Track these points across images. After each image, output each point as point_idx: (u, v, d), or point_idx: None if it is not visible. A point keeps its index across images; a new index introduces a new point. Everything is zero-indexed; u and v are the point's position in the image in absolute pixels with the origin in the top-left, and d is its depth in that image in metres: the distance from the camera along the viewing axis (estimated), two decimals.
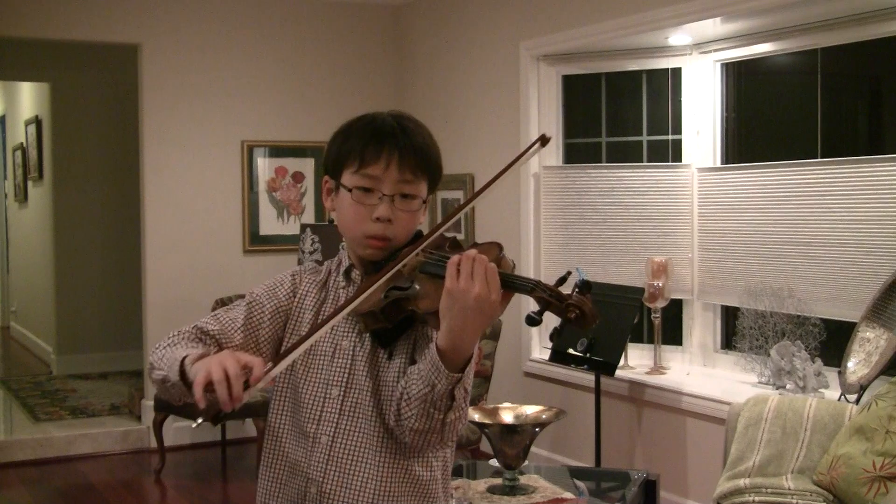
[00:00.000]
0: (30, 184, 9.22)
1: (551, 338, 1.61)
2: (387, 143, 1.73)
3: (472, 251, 1.56)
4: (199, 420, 1.55)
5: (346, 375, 1.76)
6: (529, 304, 1.59)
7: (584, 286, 1.55)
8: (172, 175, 5.97)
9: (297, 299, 1.85)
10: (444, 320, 1.56)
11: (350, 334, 1.78)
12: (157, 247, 5.95)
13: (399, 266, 1.66)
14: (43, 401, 6.97)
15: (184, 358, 1.62)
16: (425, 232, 1.78)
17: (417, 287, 1.66)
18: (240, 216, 6.15)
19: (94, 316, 8.16)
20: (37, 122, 8.59)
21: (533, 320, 1.55)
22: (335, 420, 1.75)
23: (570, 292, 1.56)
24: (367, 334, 1.76)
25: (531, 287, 1.56)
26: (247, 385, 1.50)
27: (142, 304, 6.05)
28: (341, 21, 6.40)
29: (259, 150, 6.20)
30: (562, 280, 1.59)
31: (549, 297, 1.55)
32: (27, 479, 5.43)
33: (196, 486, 5.32)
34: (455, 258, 1.55)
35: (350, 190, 1.74)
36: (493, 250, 1.63)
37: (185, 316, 5.95)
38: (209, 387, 1.49)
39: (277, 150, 6.23)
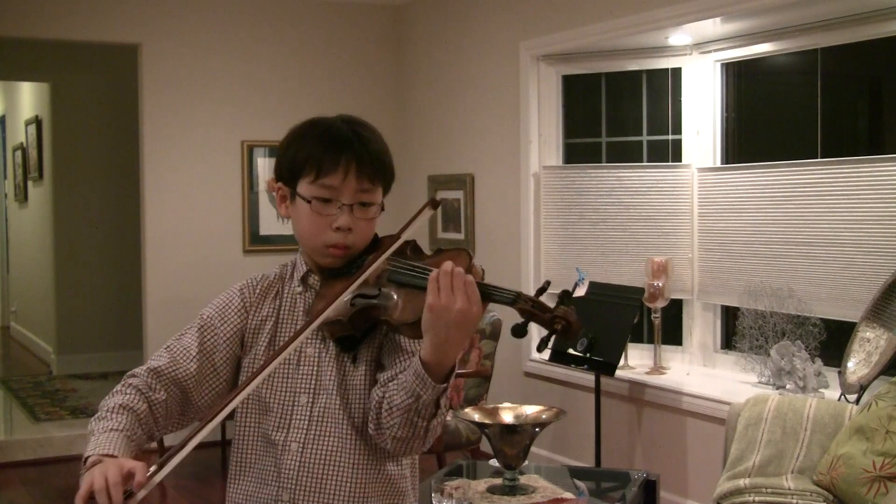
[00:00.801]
0: (30, 184, 9.22)
1: (539, 349, 1.61)
2: (344, 153, 1.73)
3: (449, 264, 1.55)
4: None
5: (313, 382, 1.76)
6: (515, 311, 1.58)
7: (566, 297, 1.55)
8: (172, 175, 5.97)
9: (250, 316, 1.84)
10: (428, 335, 1.56)
11: (314, 341, 1.78)
12: (157, 247, 5.95)
13: (366, 276, 1.65)
14: (43, 401, 6.97)
15: (86, 458, 1.61)
16: (381, 235, 1.78)
17: (391, 296, 1.65)
18: (240, 216, 6.15)
19: (94, 316, 8.16)
20: (37, 122, 8.59)
21: (519, 331, 1.54)
22: (305, 427, 1.74)
23: (553, 304, 1.55)
24: (331, 340, 1.76)
25: (512, 299, 1.56)
26: (130, 493, 1.49)
27: (142, 303, 6.05)
28: (341, 21, 6.40)
29: (259, 150, 6.20)
30: (541, 290, 1.58)
31: (532, 309, 1.54)
32: (27, 479, 5.43)
33: (196, 486, 5.32)
34: (434, 274, 1.55)
35: (309, 201, 1.74)
36: (464, 258, 1.62)
37: (185, 316, 5.93)
38: (91, 498, 1.48)
39: (277, 151, 6.22)
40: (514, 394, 5.30)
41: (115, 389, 1.77)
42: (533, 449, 3.19)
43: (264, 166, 6.21)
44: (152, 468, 1.54)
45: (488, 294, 1.57)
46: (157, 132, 5.94)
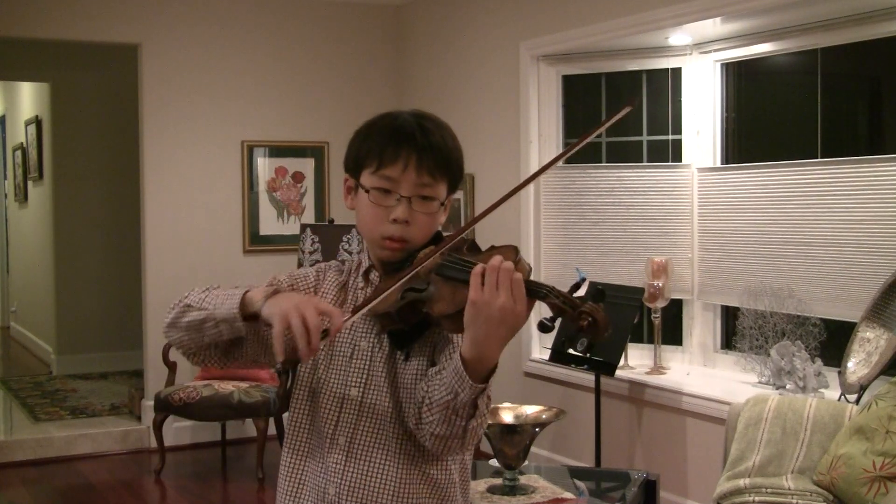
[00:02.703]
0: (30, 184, 9.22)
1: (562, 345, 1.58)
2: (405, 145, 1.71)
3: (498, 258, 1.53)
4: (279, 365, 1.54)
5: (364, 376, 1.75)
6: (541, 310, 1.56)
7: (599, 294, 1.52)
8: (172, 175, 5.97)
9: (318, 296, 1.82)
10: (469, 331, 1.54)
11: (369, 335, 1.76)
12: (157, 247, 5.95)
13: (418, 269, 1.64)
14: (43, 401, 6.97)
15: (246, 291, 1.62)
16: (445, 233, 1.77)
17: (433, 289, 1.64)
18: (240, 216, 6.15)
19: (94, 316, 8.16)
20: (37, 122, 8.59)
21: (546, 327, 1.51)
22: (353, 421, 1.73)
23: (583, 300, 1.53)
24: (384, 334, 1.75)
25: (545, 293, 1.53)
26: (325, 335, 1.51)
27: (142, 304, 6.05)
28: (341, 21, 6.40)
29: (259, 150, 6.20)
30: (575, 286, 1.56)
31: (562, 305, 1.51)
32: (27, 479, 5.43)
33: (196, 486, 5.32)
34: (479, 268, 1.53)
35: (368, 191, 1.73)
36: (511, 254, 1.60)
37: None
38: (286, 332, 1.51)
39: (277, 150, 6.23)
40: (514, 394, 5.30)
41: (186, 295, 1.73)
42: (533, 449, 3.19)
43: (264, 166, 6.21)
44: (346, 314, 1.59)
45: (527, 289, 1.54)
46: (157, 132, 5.94)
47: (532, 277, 1.58)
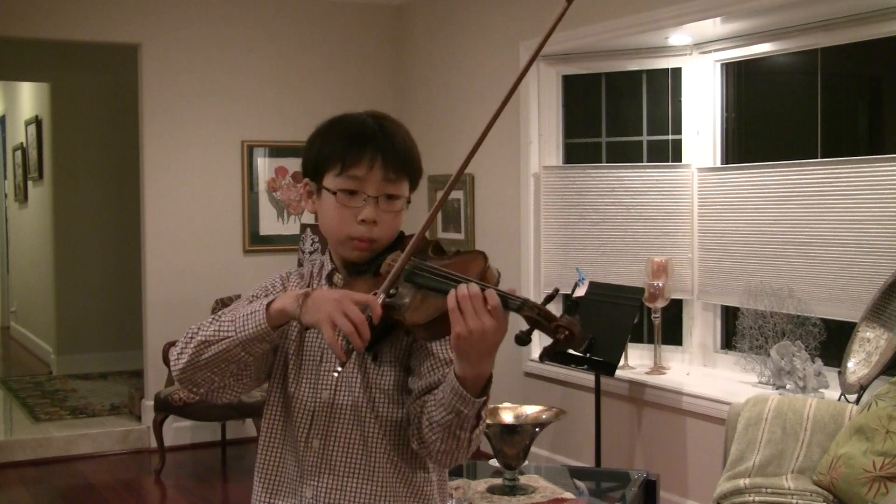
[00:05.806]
0: (30, 184, 9.22)
1: (541, 358, 1.59)
2: (369, 145, 1.72)
3: (474, 287, 1.53)
4: (339, 369, 1.62)
5: (334, 379, 1.76)
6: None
7: (574, 307, 1.54)
8: (172, 175, 5.97)
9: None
10: (461, 357, 1.56)
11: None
12: (157, 247, 5.95)
13: (396, 270, 1.64)
14: (43, 401, 6.97)
15: (269, 303, 1.63)
16: (407, 232, 1.77)
17: (405, 297, 1.64)
18: (240, 216, 6.15)
19: (94, 316, 8.16)
20: (37, 122, 8.58)
21: (522, 340, 1.53)
22: (326, 424, 1.74)
23: (559, 313, 1.53)
24: None
25: (518, 306, 1.54)
26: (371, 321, 1.56)
27: (142, 304, 6.05)
28: (341, 21, 6.40)
29: (259, 150, 6.20)
30: (549, 298, 1.56)
31: (537, 317, 1.52)
32: (27, 479, 5.43)
33: (196, 486, 5.32)
34: (452, 302, 1.53)
35: (334, 193, 1.73)
36: (479, 261, 1.61)
37: (185, 316, 5.98)
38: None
39: (277, 150, 6.23)
40: (514, 394, 5.30)
41: (191, 327, 1.73)
42: (533, 449, 3.19)
43: (264, 166, 6.21)
44: (381, 296, 1.60)
45: (505, 305, 1.55)
46: (157, 132, 5.94)
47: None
